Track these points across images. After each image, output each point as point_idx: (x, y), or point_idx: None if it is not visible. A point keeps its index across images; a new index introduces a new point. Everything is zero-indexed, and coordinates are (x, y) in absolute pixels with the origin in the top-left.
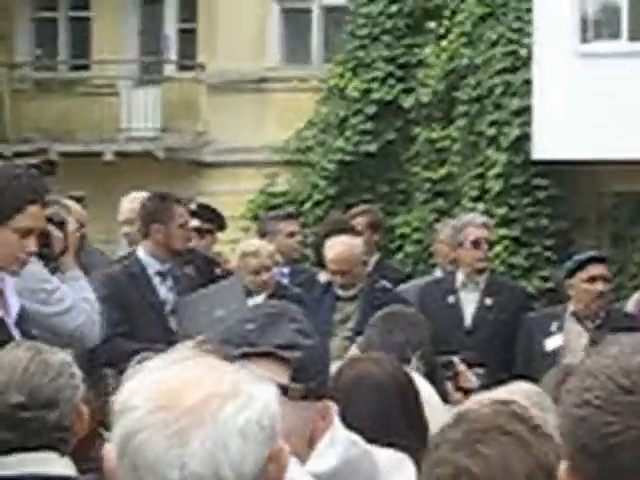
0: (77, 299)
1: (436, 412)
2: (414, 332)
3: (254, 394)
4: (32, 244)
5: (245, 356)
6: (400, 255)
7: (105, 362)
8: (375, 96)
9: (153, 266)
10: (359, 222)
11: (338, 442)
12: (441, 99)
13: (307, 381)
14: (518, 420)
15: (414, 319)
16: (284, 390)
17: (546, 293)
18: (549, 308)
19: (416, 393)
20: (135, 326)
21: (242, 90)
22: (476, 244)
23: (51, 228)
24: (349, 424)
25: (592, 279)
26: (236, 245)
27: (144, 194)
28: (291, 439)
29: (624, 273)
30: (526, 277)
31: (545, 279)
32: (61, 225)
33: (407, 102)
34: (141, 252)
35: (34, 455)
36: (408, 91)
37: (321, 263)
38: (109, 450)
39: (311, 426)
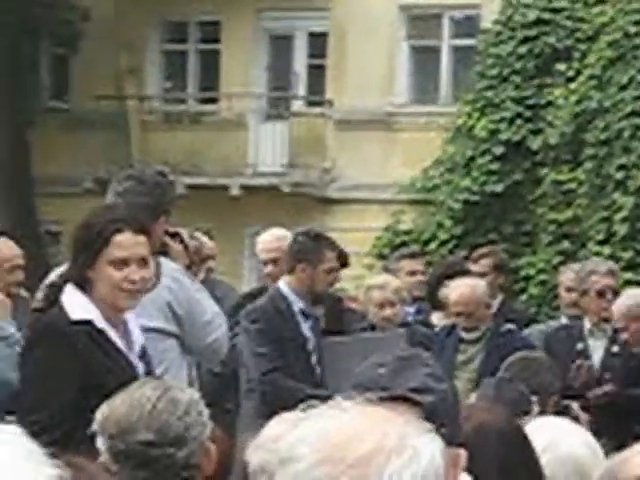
0: (213, 313)
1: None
2: (545, 378)
3: (420, 448)
4: (135, 272)
5: (378, 400)
6: (524, 297)
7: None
8: (503, 136)
9: (297, 304)
10: (484, 264)
11: None
12: (569, 141)
13: (440, 426)
14: None
15: (543, 365)
16: None
17: None
18: None
19: (530, 443)
20: (285, 363)
21: (369, 127)
22: (601, 294)
23: (168, 240)
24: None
25: None
26: (360, 282)
27: (283, 232)
28: None
29: None
30: None
31: None
32: (175, 237)
33: (535, 143)
34: (284, 287)
35: None
36: (536, 132)
37: (433, 304)
38: None
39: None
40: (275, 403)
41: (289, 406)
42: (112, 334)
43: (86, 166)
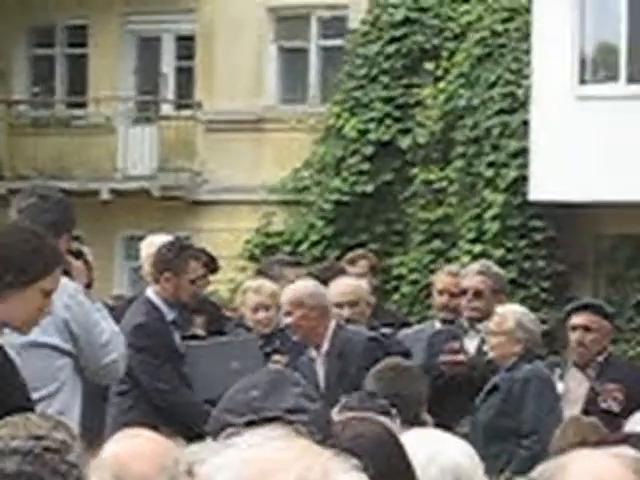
0: (112, 333)
1: None
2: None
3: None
4: (50, 304)
5: (250, 424)
6: (396, 296)
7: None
8: (372, 136)
9: (169, 315)
10: (361, 265)
11: None
12: (438, 140)
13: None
14: None
15: (415, 376)
16: None
17: (543, 336)
18: (553, 356)
19: (406, 453)
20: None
21: (239, 129)
22: (473, 294)
23: (70, 259)
24: None
25: (573, 328)
26: (232, 285)
27: (162, 238)
28: None
29: (621, 316)
30: None
31: (542, 321)
32: (78, 255)
33: (404, 143)
34: (152, 296)
35: None
36: (405, 132)
37: None
38: None
39: None
40: (179, 419)
41: (191, 421)
42: (33, 353)
43: None
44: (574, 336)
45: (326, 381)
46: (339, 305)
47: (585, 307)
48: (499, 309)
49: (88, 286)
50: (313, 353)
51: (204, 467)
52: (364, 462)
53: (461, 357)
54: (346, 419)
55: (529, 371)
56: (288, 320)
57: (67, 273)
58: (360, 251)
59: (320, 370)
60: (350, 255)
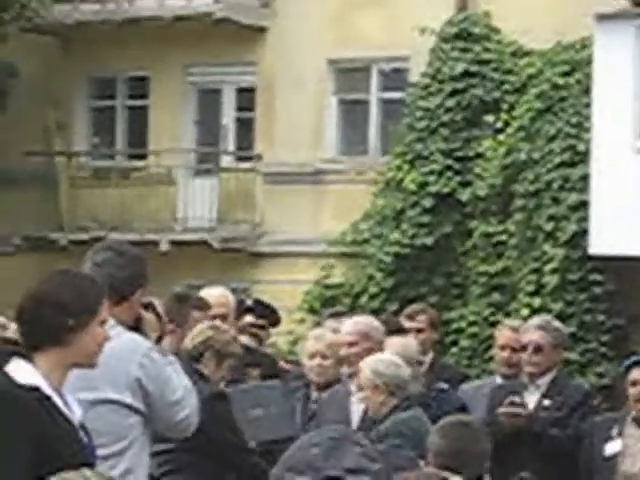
0: (184, 389)
1: None
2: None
3: None
4: (106, 331)
5: None
6: (455, 349)
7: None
8: (432, 189)
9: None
10: (420, 320)
11: None
12: (498, 193)
13: None
14: None
15: (478, 433)
16: None
17: (602, 390)
18: (612, 412)
19: None
20: None
21: (299, 181)
22: (533, 349)
23: (142, 312)
24: None
25: (633, 383)
26: (291, 337)
27: (218, 291)
28: None
29: None
30: (582, 373)
31: (601, 375)
32: (148, 307)
33: (464, 195)
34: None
35: None
36: (465, 184)
37: None
38: None
39: None
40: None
41: None
42: (59, 402)
43: (15, 224)
44: (633, 391)
45: (363, 422)
46: None
47: None
48: (361, 364)
49: (159, 338)
50: (352, 387)
51: None
52: None
53: (519, 410)
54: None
55: (393, 422)
56: (352, 350)
57: (138, 328)
58: (419, 305)
59: (357, 407)
60: (409, 310)
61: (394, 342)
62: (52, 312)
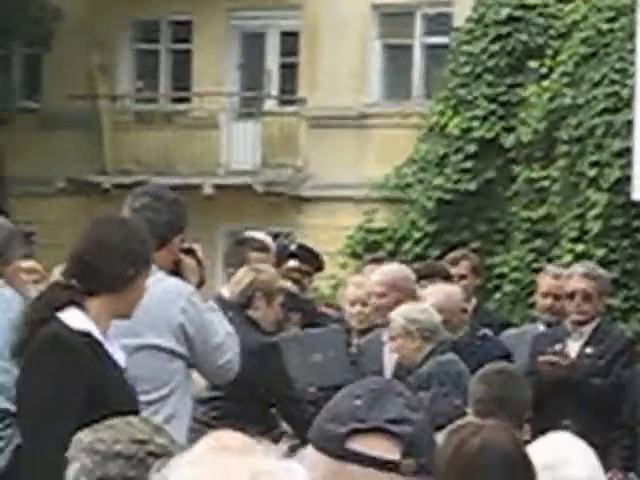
0: (226, 334)
1: None
2: (522, 394)
3: (292, 468)
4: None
5: (353, 433)
6: (498, 295)
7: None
8: (476, 134)
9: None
10: (463, 266)
11: None
12: (542, 139)
13: (418, 457)
14: None
15: (520, 381)
16: (395, 466)
17: None
18: None
19: (533, 468)
20: None
21: (342, 125)
22: (576, 296)
23: (183, 257)
24: None
25: None
26: (333, 281)
27: (260, 235)
28: None
29: None
30: (624, 319)
31: None
32: (189, 252)
33: (508, 141)
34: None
35: None
36: (509, 130)
37: None
38: None
39: None
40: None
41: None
42: (110, 348)
43: (58, 166)
44: None
45: (397, 371)
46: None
47: None
48: (390, 315)
49: (200, 284)
50: (384, 337)
51: None
52: (490, 473)
53: (563, 359)
54: (476, 426)
55: (432, 366)
56: (381, 301)
57: (178, 273)
58: (461, 251)
59: (390, 357)
60: (452, 255)
61: (438, 289)
62: (116, 260)
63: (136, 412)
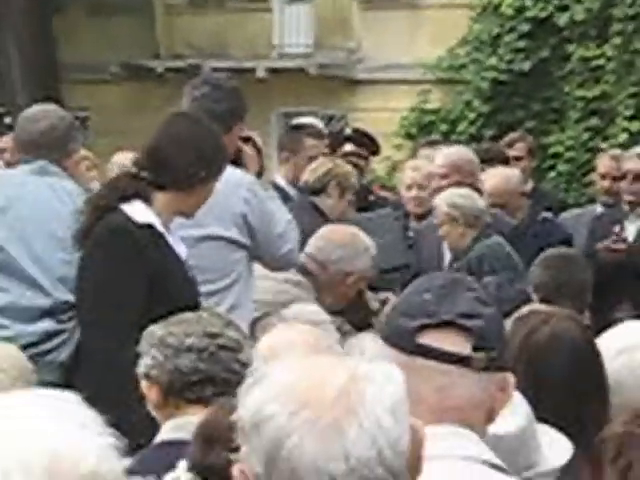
0: (286, 222)
1: None
2: (583, 277)
3: (388, 372)
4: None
5: (424, 327)
6: (553, 174)
7: None
8: (529, 14)
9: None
10: (519, 148)
11: (519, 413)
12: (596, 17)
13: (489, 350)
14: None
15: (581, 265)
16: (466, 360)
17: None
18: None
19: (601, 358)
20: None
21: (395, 7)
22: (634, 178)
23: (242, 146)
24: (541, 385)
25: None
26: (389, 163)
27: (310, 120)
28: (473, 411)
29: None
30: None
31: None
32: (247, 141)
33: (562, 20)
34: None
35: None
36: (563, 9)
37: None
38: (242, 469)
39: (491, 398)
40: None
41: None
42: (171, 240)
43: (111, 51)
44: None
45: (454, 257)
46: (492, 206)
47: None
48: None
49: (260, 172)
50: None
51: (245, 409)
52: (559, 362)
53: (620, 245)
54: (542, 314)
55: (480, 250)
56: (443, 182)
57: (238, 162)
58: (517, 133)
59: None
60: (508, 138)
61: (496, 173)
62: (192, 160)
63: (197, 304)
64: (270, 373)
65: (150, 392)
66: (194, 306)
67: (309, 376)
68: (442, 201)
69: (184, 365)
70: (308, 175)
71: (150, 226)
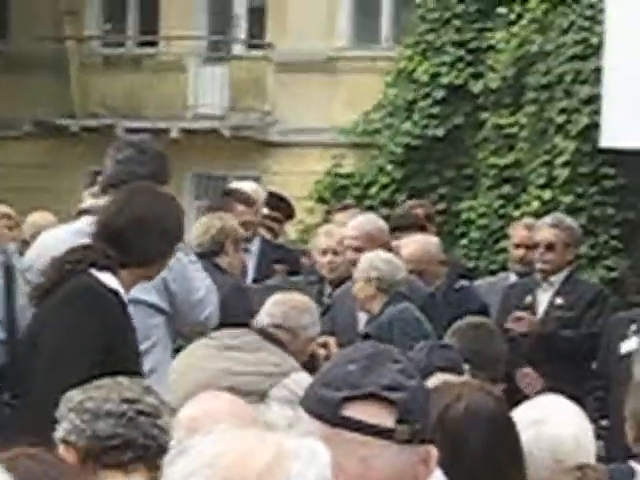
0: (206, 288)
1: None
2: (497, 348)
3: (314, 448)
4: None
5: (348, 399)
6: (465, 241)
7: None
8: (444, 80)
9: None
10: (419, 213)
11: None
12: (510, 85)
13: (413, 423)
14: None
15: (494, 335)
16: (389, 433)
17: (611, 283)
18: (633, 310)
19: (516, 428)
20: None
21: (311, 70)
22: (546, 247)
23: None
24: (458, 457)
25: None
26: (301, 226)
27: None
28: None
29: None
30: (591, 266)
31: (610, 269)
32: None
33: (476, 87)
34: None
35: None
36: (477, 76)
37: None
38: None
39: (413, 470)
40: None
41: None
42: (131, 311)
43: (25, 108)
44: None
45: (367, 324)
46: (410, 272)
47: None
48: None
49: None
50: None
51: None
52: (475, 435)
53: (525, 327)
54: (461, 386)
55: (391, 314)
56: (358, 255)
57: None
58: (415, 201)
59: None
60: (406, 205)
61: (416, 239)
62: (156, 239)
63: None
64: (195, 445)
65: (68, 457)
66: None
67: (234, 450)
68: (365, 260)
69: (102, 430)
70: (200, 238)
71: (116, 293)
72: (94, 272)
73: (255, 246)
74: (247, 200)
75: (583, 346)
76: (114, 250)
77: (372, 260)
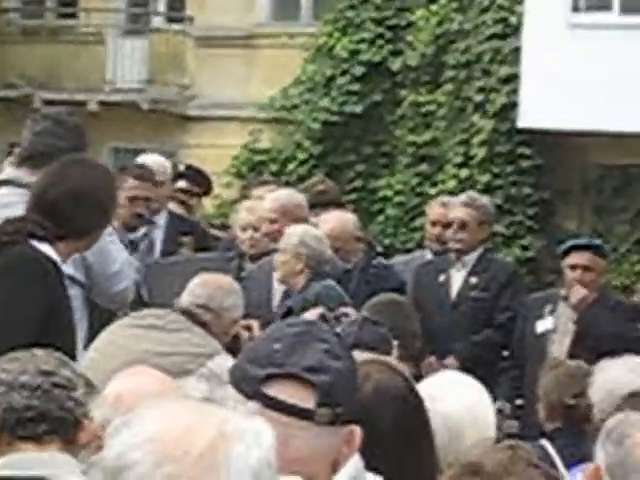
0: (123, 262)
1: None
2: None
3: (258, 432)
4: None
5: (270, 377)
6: (381, 218)
7: None
8: (363, 57)
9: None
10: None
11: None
12: (429, 63)
13: (334, 406)
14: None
15: (408, 313)
16: (308, 414)
17: (526, 262)
18: (548, 290)
19: (423, 403)
20: None
21: (230, 45)
22: (459, 225)
23: None
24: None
25: (572, 267)
26: (218, 201)
27: (154, 158)
28: (314, 464)
29: (606, 245)
30: (507, 245)
31: (526, 248)
32: None
33: (395, 64)
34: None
35: None
36: (396, 53)
37: None
38: None
39: (335, 452)
40: None
41: None
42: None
43: None
44: (572, 274)
45: (282, 300)
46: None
47: (587, 247)
48: (288, 229)
49: None
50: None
51: (109, 451)
52: (384, 416)
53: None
54: (367, 364)
55: (317, 290)
56: (273, 227)
57: None
58: (317, 177)
59: (280, 286)
60: (309, 182)
61: (333, 216)
62: (91, 211)
63: (73, 350)
64: (139, 417)
65: None
66: (71, 351)
67: (178, 426)
68: (295, 234)
69: (17, 402)
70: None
71: (54, 262)
72: (33, 242)
73: (163, 219)
74: (141, 175)
75: (498, 339)
76: (50, 222)
77: (302, 237)
